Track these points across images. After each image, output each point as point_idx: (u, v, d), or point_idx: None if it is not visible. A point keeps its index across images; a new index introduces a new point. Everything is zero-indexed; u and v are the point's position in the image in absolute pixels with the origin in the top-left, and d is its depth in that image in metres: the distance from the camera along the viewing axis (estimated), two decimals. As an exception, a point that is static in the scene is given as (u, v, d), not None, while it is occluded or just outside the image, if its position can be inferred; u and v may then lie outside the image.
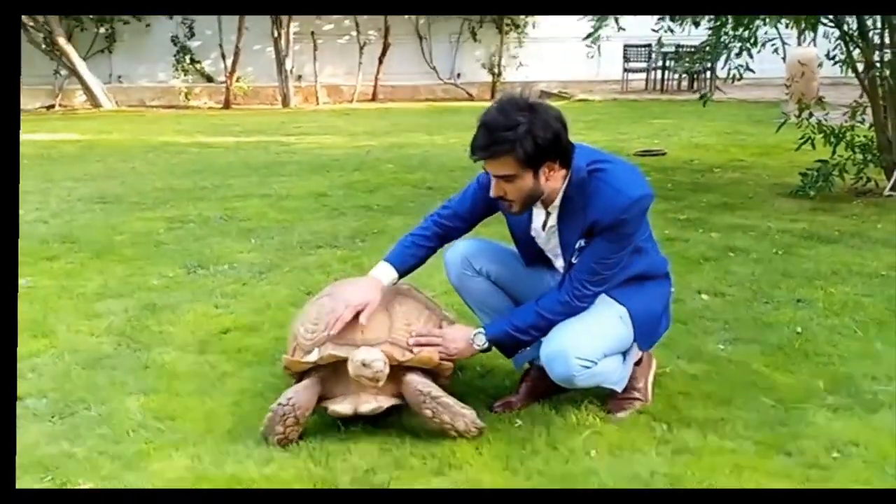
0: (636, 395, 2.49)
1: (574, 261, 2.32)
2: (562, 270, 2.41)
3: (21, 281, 3.92)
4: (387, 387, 2.27)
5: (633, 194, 2.22)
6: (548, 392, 2.51)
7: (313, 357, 2.29)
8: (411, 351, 2.31)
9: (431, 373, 2.35)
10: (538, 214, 2.38)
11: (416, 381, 2.29)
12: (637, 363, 2.52)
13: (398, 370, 2.28)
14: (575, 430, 2.35)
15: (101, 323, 3.33)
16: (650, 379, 2.56)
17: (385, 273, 2.42)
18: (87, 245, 4.63)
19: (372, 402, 2.26)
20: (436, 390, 2.28)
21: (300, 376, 2.35)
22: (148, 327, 3.27)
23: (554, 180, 2.25)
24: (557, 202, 2.30)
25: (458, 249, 2.52)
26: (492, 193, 2.26)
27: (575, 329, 2.27)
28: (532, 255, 2.49)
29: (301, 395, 2.27)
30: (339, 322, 2.27)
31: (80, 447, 2.31)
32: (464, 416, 2.27)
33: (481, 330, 2.38)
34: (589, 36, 5.87)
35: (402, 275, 2.44)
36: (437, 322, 2.47)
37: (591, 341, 2.26)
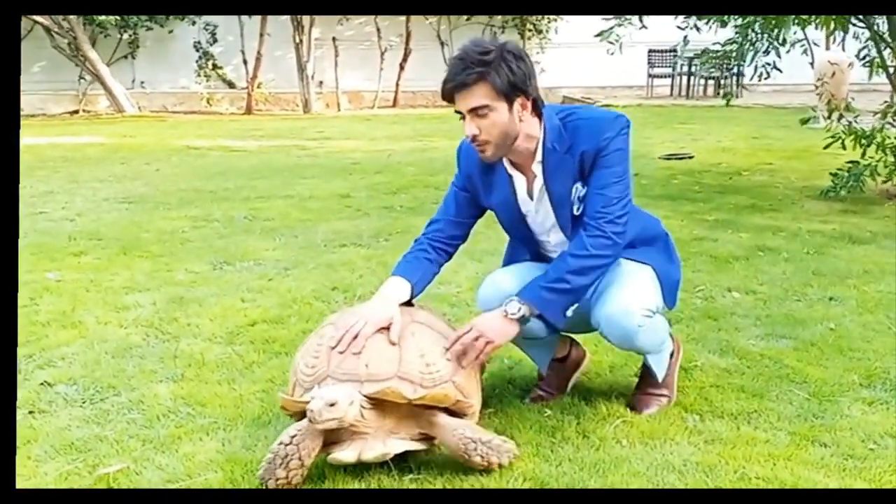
0: (665, 391, 2.45)
1: (576, 213, 2.20)
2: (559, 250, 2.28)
3: (48, 275, 3.97)
4: (400, 428, 2.01)
5: (609, 115, 2.21)
6: (568, 379, 2.53)
7: (309, 397, 1.94)
8: (424, 387, 2.00)
9: (450, 412, 2.07)
10: (520, 182, 2.25)
11: (456, 426, 2.01)
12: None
13: (412, 409, 2.01)
14: (605, 420, 2.32)
15: (130, 315, 3.35)
16: (675, 377, 2.52)
17: (398, 288, 2.18)
18: (113, 241, 4.67)
19: (378, 448, 1.96)
20: (483, 433, 2.02)
21: (302, 415, 1.99)
22: (176, 319, 3.28)
23: (527, 124, 2.15)
24: (539, 156, 2.20)
25: (494, 286, 2.30)
26: (466, 132, 2.12)
27: (624, 285, 2.20)
28: (533, 243, 2.38)
29: (306, 433, 1.95)
30: (361, 338, 2.01)
31: (111, 430, 2.32)
32: (508, 450, 2.05)
33: (512, 297, 2.14)
34: (602, 33, 5.79)
35: (415, 289, 2.21)
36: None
37: (643, 293, 2.21)
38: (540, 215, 2.30)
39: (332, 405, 1.88)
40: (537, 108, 2.18)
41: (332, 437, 1.99)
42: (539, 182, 2.24)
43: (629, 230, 2.23)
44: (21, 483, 2.03)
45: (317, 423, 1.87)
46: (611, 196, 2.16)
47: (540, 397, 2.48)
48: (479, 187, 2.31)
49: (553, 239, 2.34)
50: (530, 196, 2.28)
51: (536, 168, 2.22)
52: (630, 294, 2.19)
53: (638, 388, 2.46)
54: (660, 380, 2.41)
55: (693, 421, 2.33)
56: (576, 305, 2.17)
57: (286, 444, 1.95)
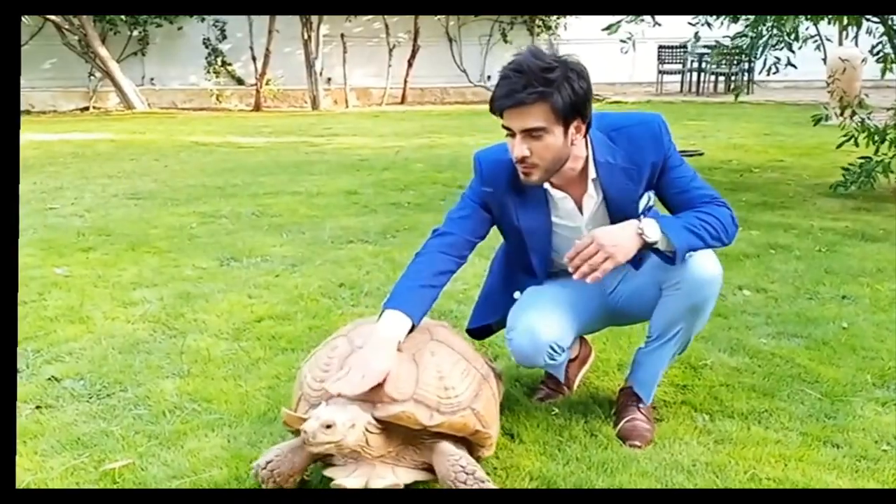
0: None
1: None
2: None
3: (57, 270, 3.97)
4: (408, 455, 1.86)
5: (649, 118, 2.15)
6: (575, 376, 2.50)
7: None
8: (441, 413, 1.83)
9: (466, 442, 1.90)
10: (564, 202, 2.12)
11: (453, 454, 1.83)
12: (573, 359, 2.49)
13: (417, 435, 1.85)
14: (612, 420, 2.30)
15: (137, 310, 3.34)
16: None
17: (398, 325, 1.95)
18: (121, 237, 4.67)
19: (388, 478, 1.81)
20: (476, 466, 1.82)
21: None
22: (183, 315, 3.28)
23: (577, 147, 2.03)
24: (593, 173, 2.08)
25: (532, 337, 2.13)
26: (514, 154, 1.97)
27: (705, 253, 2.09)
28: (549, 263, 2.23)
29: (286, 458, 1.85)
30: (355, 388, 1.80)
31: (117, 426, 2.31)
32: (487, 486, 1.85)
33: (645, 222, 1.99)
34: (610, 27, 5.74)
35: (417, 323, 1.99)
36: (479, 375, 1.97)
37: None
38: (588, 232, 2.12)
39: (328, 427, 1.71)
40: (587, 127, 2.04)
41: (328, 457, 1.85)
42: (593, 198, 2.12)
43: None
44: (26, 477, 2.03)
45: (311, 446, 1.73)
46: (700, 184, 2.14)
47: (547, 396, 2.46)
48: (505, 207, 2.14)
49: None
50: (580, 212, 2.14)
51: (591, 185, 2.10)
52: (714, 261, 2.10)
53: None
54: (648, 403, 2.28)
55: (703, 420, 2.30)
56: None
57: (262, 469, 1.86)
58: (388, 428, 1.81)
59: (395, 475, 1.82)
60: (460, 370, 1.92)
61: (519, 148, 1.96)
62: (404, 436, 1.84)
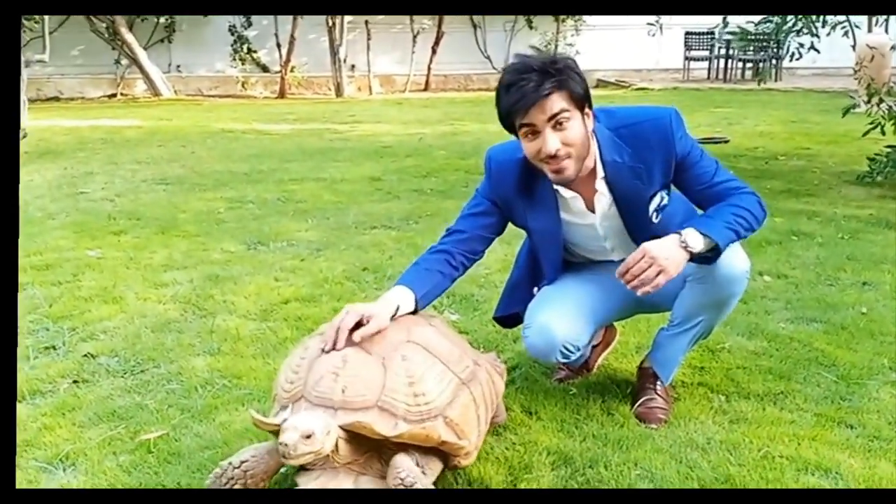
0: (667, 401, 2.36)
1: (655, 222, 2.11)
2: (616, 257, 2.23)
3: (90, 252, 4.09)
4: (375, 465, 1.77)
5: (659, 112, 2.10)
6: (597, 359, 2.56)
7: (279, 419, 1.72)
8: (408, 421, 1.71)
9: (443, 453, 1.79)
10: (575, 201, 2.13)
11: (397, 469, 1.70)
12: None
13: (389, 446, 1.73)
14: (630, 399, 2.35)
15: (168, 291, 3.45)
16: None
17: (399, 297, 1.96)
18: (151, 221, 4.79)
19: (348, 484, 1.72)
20: (421, 484, 1.69)
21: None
22: (212, 296, 3.37)
23: (591, 138, 2.04)
24: (601, 172, 2.08)
25: (545, 336, 2.15)
26: (547, 149, 1.95)
27: (734, 248, 2.10)
28: (559, 257, 2.25)
29: (261, 460, 1.77)
30: (342, 331, 1.80)
31: (151, 400, 2.41)
32: None
33: (685, 232, 1.96)
34: None
35: (420, 302, 2.00)
36: (456, 380, 1.83)
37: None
38: (602, 230, 2.19)
39: (308, 437, 1.60)
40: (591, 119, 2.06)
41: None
42: (605, 197, 2.12)
43: (685, 209, 2.20)
44: (66, 447, 2.13)
45: (290, 459, 1.62)
46: (724, 176, 2.11)
47: (567, 377, 2.51)
48: (515, 208, 2.16)
49: (598, 256, 2.29)
50: (591, 210, 2.15)
51: (600, 184, 2.10)
52: (743, 256, 2.12)
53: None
54: (667, 383, 2.32)
55: (719, 401, 2.35)
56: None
57: (235, 467, 1.76)
58: (357, 436, 1.71)
59: (356, 484, 1.74)
60: (434, 374, 1.79)
61: (552, 140, 1.94)
62: (372, 445, 1.74)
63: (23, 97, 7.62)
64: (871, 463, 2.00)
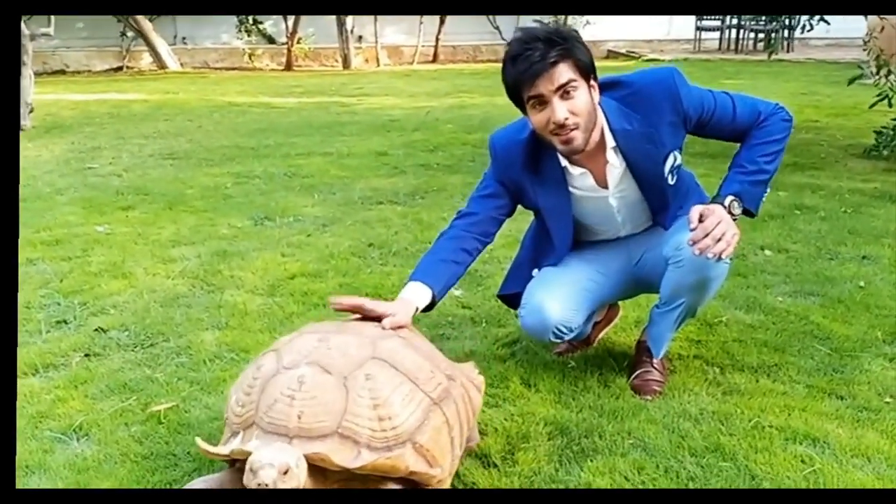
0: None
1: (672, 183, 2.16)
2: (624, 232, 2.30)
3: (99, 228, 4.16)
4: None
5: (659, 73, 2.12)
6: (598, 334, 2.61)
7: (227, 449, 1.55)
8: (372, 449, 1.54)
9: (412, 482, 1.61)
10: (583, 176, 2.15)
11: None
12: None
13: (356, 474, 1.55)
14: (627, 371, 2.41)
15: (176, 267, 3.51)
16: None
17: (417, 293, 1.99)
18: (159, 197, 4.85)
19: None
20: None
21: (232, 461, 1.62)
22: (220, 271, 3.44)
23: (597, 109, 2.07)
24: (611, 141, 2.10)
25: (540, 317, 2.20)
26: (556, 118, 1.97)
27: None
28: (570, 234, 2.27)
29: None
30: (368, 304, 1.85)
31: (161, 373, 2.48)
32: None
33: (726, 194, 2.05)
34: None
35: (438, 297, 2.04)
36: (427, 400, 1.66)
37: None
38: (615, 202, 2.21)
39: (285, 472, 1.43)
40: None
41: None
42: (616, 168, 2.14)
43: (686, 179, 2.25)
44: (79, 418, 2.21)
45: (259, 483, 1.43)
46: (742, 108, 2.16)
47: (567, 350, 2.56)
48: (523, 188, 2.19)
49: (608, 234, 2.32)
50: (603, 183, 2.16)
51: (611, 155, 2.12)
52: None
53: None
54: (657, 358, 2.34)
55: (713, 373, 2.40)
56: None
57: None
58: (319, 467, 1.52)
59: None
60: (402, 395, 1.61)
61: (560, 109, 1.97)
62: (341, 475, 1.55)
63: (29, 71, 7.66)
64: (858, 433, 2.05)
